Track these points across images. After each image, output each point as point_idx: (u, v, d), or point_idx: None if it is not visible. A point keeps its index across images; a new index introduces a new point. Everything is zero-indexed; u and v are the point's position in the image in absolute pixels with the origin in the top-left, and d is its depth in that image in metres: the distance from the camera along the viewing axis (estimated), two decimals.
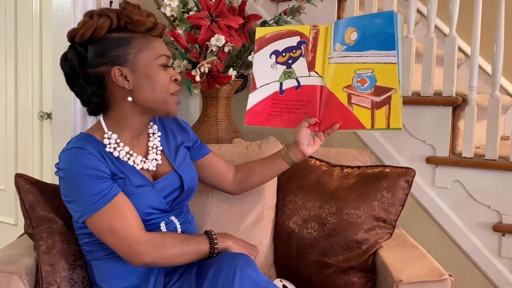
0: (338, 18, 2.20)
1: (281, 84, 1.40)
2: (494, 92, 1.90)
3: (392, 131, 1.25)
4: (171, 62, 1.31)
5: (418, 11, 2.73)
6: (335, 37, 1.32)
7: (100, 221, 1.18)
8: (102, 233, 1.20)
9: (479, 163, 1.90)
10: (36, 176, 2.55)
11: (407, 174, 1.55)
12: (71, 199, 1.21)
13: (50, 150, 2.28)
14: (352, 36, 1.29)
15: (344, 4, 2.25)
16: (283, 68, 1.40)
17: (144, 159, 1.31)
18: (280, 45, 1.40)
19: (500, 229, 1.87)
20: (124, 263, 1.23)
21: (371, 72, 1.27)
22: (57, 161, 1.22)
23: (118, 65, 1.21)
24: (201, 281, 1.19)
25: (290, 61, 1.39)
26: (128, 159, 1.27)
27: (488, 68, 2.60)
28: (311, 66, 1.36)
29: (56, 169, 1.22)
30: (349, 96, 1.30)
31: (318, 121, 1.36)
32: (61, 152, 1.22)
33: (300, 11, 1.95)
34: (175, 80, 1.28)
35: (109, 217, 1.18)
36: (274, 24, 1.95)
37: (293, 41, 1.39)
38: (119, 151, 1.26)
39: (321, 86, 1.35)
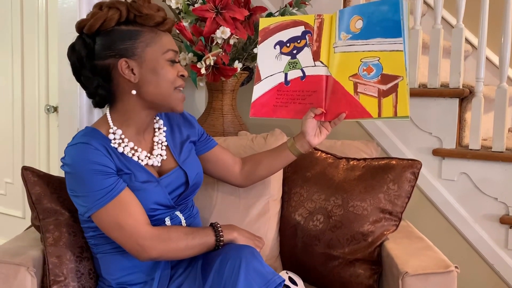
0: None
1: (286, 74, 1.40)
2: (502, 84, 1.89)
3: (400, 119, 1.24)
4: (178, 58, 1.30)
5: (425, 2, 2.71)
6: (340, 25, 1.31)
7: (106, 216, 1.19)
8: (108, 228, 1.20)
9: (486, 155, 1.89)
10: (43, 169, 2.57)
11: (413, 166, 1.54)
12: (77, 194, 1.21)
13: (57, 143, 2.29)
14: (358, 24, 1.28)
15: None
16: (287, 58, 1.39)
17: (149, 155, 1.31)
18: (284, 35, 1.39)
19: (507, 221, 1.86)
20: (130, 257, 1.24)
21: (378, 60, 1.26)
22: (64, 154, 1.23)
23: (125, 58, 1.21)
24: (207, 273, 1.20)
25: (294, 52, 1.38)
26: (133, 155, 1.28)
27: (495, 59, 2.59)
28: (316, 56, 1.36)
29: (62, 164, 1.23)
30: (355, 85, 1.29)
31: (324, 111, 1.35)
32: (66, 147, 1.22)
33: (306, 2, 1.94)
34: (182, 76, 1.28)
35: (115, 212, 1.18)
36: (280, 16, 1.94)
37: (297, 31, 1.38)
38: (123, 147, 1.26)
39: (327, 76, 1.34)
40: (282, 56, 1.40)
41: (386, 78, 1.25)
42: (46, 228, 1.34)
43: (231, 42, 1.80)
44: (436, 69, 1.97)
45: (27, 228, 1.52)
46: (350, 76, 1.30)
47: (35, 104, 2.70)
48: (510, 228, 1.86)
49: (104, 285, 1.33)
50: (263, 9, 1.91)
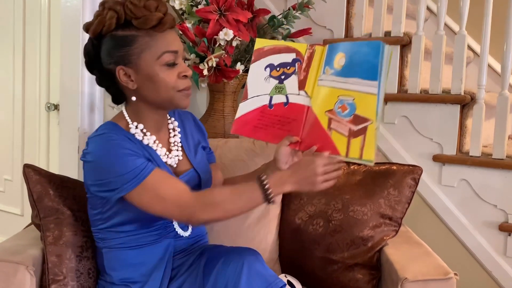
0: (347, 14, 2.18)
1: (271, 98, 1.38)
2: (503, 91, 1.89)
3: (364, 162, 1.21)
4: (183, 56, 1.29)
5: (428, 8, 2.71)
6: (327, 60, 1.29)
7: (145, 192, 1.18)
8: (149, 204, 1.19)
9: (486, 162, 1.89)
10: (43, 166, 2.55)
11: (414, 172, 1.54)
12: (102, 181, 1.20)
13: (57, 141, 2.29)
14: (341, 61, 1.26)
15: (354, 0, 2.24)
16: (275, 82, 1.38)
17: (168, 153, 1.32)
18: (276, 59, 1.38)
19: (506, 228, 1.86)
20: (134, 254, 1.25)
21: (352, 99, 1.23)
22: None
23: (122, 65, 1.22)
24: (209, 273, 1.20)
25: (283, 77, 1.37)
26: (155, 149, 1.29)
27: (497, 66, 2.60)
28: (301, 85, 1.34)
29: (83, 154, 1.23)
30: (330, 121, 1.27)
31: (300, 140, 1.33)
32: (90, 138, 1.23)
33: (309, 6, 1.94)
34: (185, 76, 1.26)
35: (154, 186, 1.18)
36: (283, 19, 1.94)
37: (288, 57, 1.36)
38: (148, 139, 1.28)
39: (308, 107, 1.32)
40: (271, 79, 1.38)
41: (357, 119, 1.22)
42: (46, 226, 1.35)
43: (234, 44, 1.80)
44: (438, 75, 1.97)
45: (26, 226, 1.52)
46: (326, 111, 1.28)
47: (36, 102, 2.69)
48: (509, 235, 1.87)
49: (105, 282, 1.33)
50: (266, 11, 1.91)
